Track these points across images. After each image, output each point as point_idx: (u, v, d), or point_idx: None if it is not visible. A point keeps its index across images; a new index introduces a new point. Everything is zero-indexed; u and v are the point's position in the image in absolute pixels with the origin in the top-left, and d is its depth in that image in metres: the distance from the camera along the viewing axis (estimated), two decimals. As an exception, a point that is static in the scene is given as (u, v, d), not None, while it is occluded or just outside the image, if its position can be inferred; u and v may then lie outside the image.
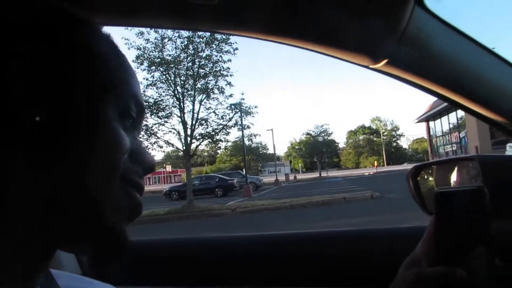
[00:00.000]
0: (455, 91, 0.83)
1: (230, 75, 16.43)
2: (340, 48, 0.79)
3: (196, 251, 1.07)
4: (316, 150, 58.85)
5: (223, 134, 17.56)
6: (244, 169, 27.99)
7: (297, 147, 70.77)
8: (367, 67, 0.82)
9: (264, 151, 63.92)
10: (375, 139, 69.50)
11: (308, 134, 63.92)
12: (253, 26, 0.78)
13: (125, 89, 0.50)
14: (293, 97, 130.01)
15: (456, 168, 1.35)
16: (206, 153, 72.27)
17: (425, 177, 1.42)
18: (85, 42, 0.47)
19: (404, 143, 71.83)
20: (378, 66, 0.80)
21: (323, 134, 60.66)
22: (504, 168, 1.08)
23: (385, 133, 65.71)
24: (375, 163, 56.25)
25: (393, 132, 65.24)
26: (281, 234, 1.11)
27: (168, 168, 73.94)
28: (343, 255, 1.04)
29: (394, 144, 67.56)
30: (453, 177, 1.27)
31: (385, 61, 0.78)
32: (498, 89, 0.83)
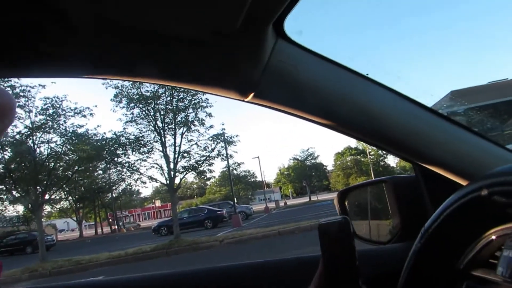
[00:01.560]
0: (329, 117, 0.84)
1: (210, 106, 16.54)
2: (211, 86, 0.80)
3: None
4: (305, 174, 58.86)
5: (206, 166, 17.54)
6: (233, 199, 27.76)
7: (285, 172, 70.64)
8: (242, 100, 0.83)
9: (253, 179, 63.63)
10: (362, 159, 69.75)
11: (295, 159, 64.09)
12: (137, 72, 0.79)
13: None
14: (275, 123, 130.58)
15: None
16: (195, 185, 71.73)
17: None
18: None
19: (391, 161, 72.04)
20: (248, 99, 0.81)
21: (310, 158, 60.87)
22: (411, 186, 1.10)
23: (372, 153, 66.04)
24: (364, 183, 56.16)
25: (380, 151, 65.64)
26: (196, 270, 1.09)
27: (158, 203, 73.05)
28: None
29: (382, 163, 67.80)
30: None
31: (251, 94, 0.79)
32: (371, 111, 0.84)
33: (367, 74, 0.86)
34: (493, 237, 0.70)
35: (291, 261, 1.07)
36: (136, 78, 0.80)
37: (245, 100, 0.82)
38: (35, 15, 0.60)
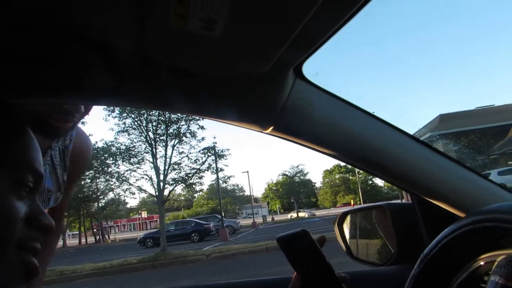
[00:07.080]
0: (337, 150, 0.93)
1: (202, 119, 16.61)
2: (234, 119, 0.89)
3: None
4: (293, 191, 58.87)
5: (196, 178, 17.55)
6: (221, 213, 27.67)
7: (274, 188, 70.60)
8: (262, 132, 0.92)
9: (241, 193, 63.48)
10: (351, 177, 70.12)
11: (284, 174, 64.12)
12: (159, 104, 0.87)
13: (22, 162, 0.56)
14: (267, 138, 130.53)
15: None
16: (182, 197, 71.29)
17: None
18: None
19: (379, 181, 72.57)
20: (267, 132, 0.89)
21: (299, 174, 60.96)
22: (407, 213, 1.19)
23: (361, 172, 66.43)
24: (351, 202, 56.56)
25: (368, 170, 65.82)
26: None
27: (144, 214, 72.38)
28: None
29: (370, 182, 68.16)
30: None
31: (271, 128, 0.87)
32: (376, 145, 0.93)
33: (373, 112, 0.96)
34: (482, 263, 0.79)
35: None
36: (165, 109, 0.88)
37: (265, 132, 0.90)
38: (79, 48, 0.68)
